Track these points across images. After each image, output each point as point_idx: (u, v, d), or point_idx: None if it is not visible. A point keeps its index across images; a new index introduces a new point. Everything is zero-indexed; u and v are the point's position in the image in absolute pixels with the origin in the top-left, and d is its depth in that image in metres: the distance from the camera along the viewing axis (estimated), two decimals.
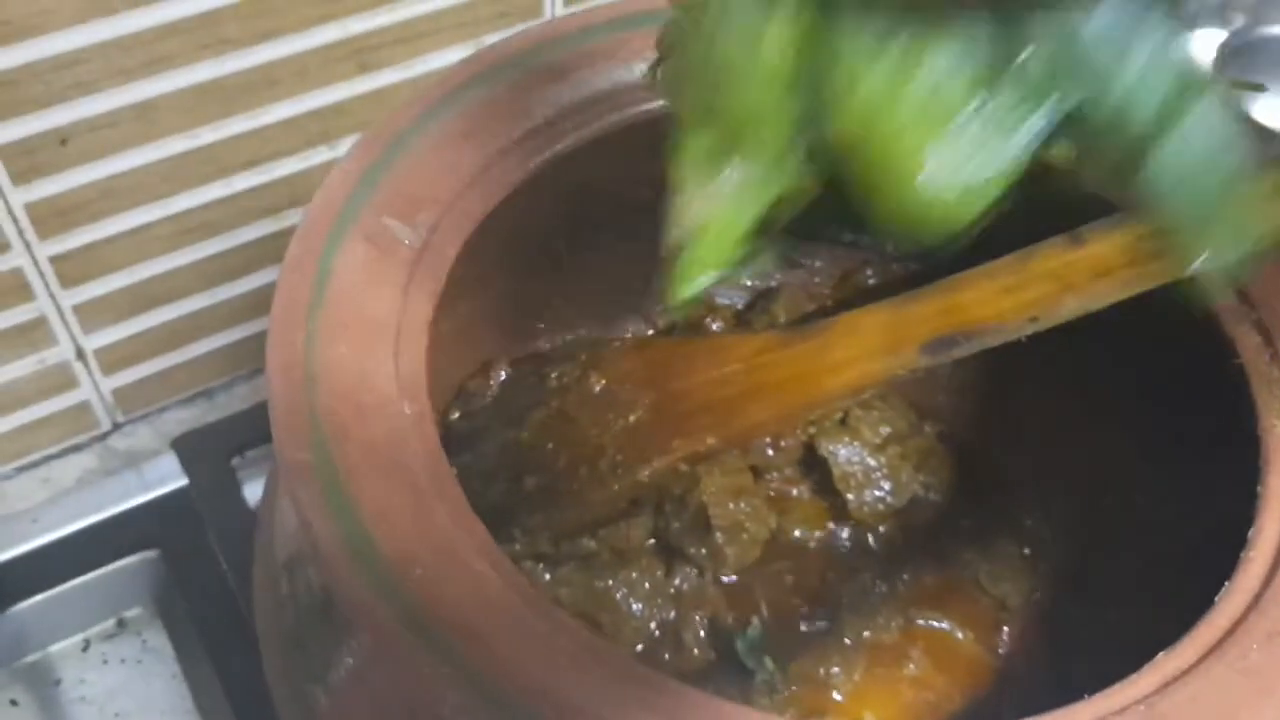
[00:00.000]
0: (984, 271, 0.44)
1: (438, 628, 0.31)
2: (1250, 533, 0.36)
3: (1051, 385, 0.52)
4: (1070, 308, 0.42)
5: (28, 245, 0.56)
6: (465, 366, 0.54)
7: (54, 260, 0.57)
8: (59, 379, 0.62)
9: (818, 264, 0.59)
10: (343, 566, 0.32)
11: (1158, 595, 0.47)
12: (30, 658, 0.59)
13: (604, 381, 0.49)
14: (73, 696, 0.58)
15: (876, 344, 0.44)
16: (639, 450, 0.47)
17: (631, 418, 0.48)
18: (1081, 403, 0.52)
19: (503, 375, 0.52)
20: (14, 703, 0.58)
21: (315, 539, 0.32)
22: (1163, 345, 0.46)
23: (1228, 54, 0.57)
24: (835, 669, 0.49)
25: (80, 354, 0.62)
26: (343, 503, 0.33)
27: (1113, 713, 0.32)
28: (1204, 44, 0.55)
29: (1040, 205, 0.46)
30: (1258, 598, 0.34)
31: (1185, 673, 0.33)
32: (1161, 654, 0.34)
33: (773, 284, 0.59)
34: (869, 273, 0.58)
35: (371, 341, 0.38)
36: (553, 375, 0.50)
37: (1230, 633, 0.33)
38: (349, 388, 0.36)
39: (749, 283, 0.59)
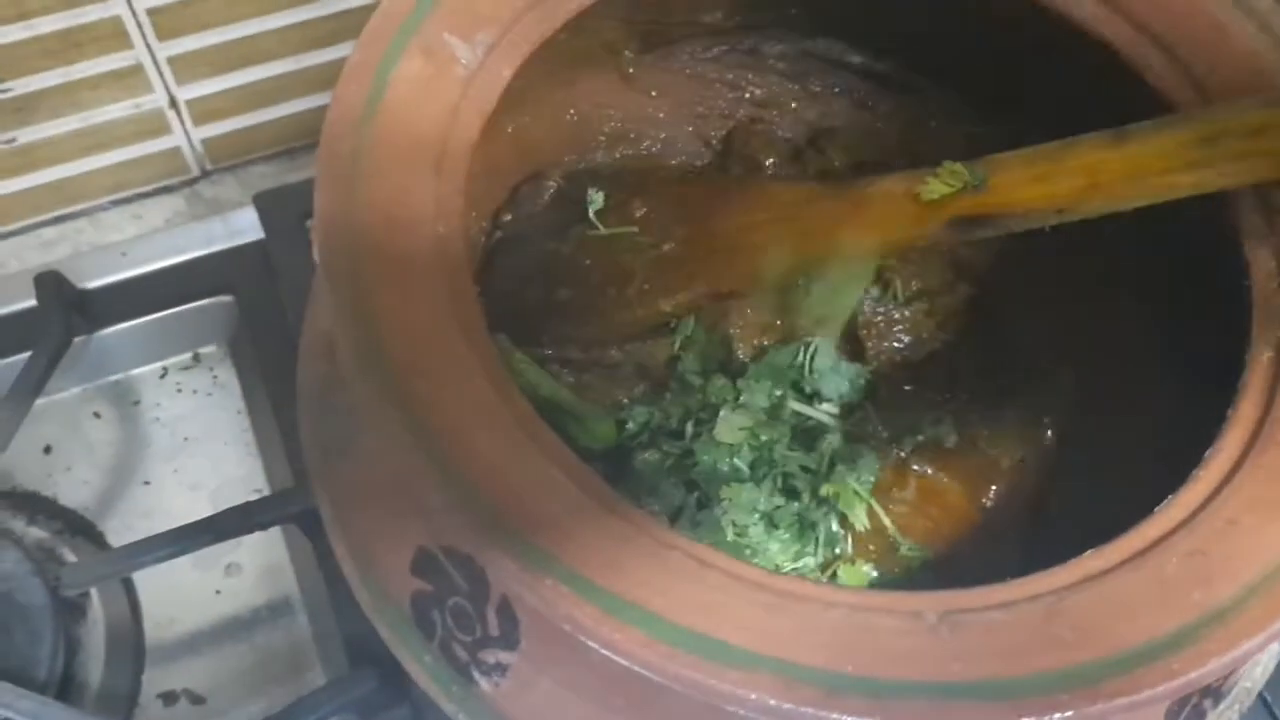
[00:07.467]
0: (1023, 157, 0.44)
1: (432, 437, 0.35)
2: (1207, 453, 0.37)
3: (1078, 261, 0.52)
4: (1096, 206, 0.43)
5: None
6: (523, 170, 0.56)
7: (151, 13, 0.60)
8: (153, 124, 0.66)
9: (883, 109, 0.59)
10: (356, 373, 0.35)
11: (1137, 477, 0.49)
12: (113, 377, 0.66)
13: (645, 209, 0.51)
14: (149, 417, 0.65)
15: (905, 212, 0.46)
16: (664, 280, 0.49)
17: (665, 247, 0.50)
18: (1109, 286, 0.52)
19: (554, 186, 0.54)
20: (97, 415, 0.64)
21: (336, 343, 0.36)
22: (1188, 255, 0.47)
23: None
24: None
25: (173, 103, 0.65)
26: (364, 312, 0.36)
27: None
28: None
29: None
30: (1184, 522, 0.36)
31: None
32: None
33: (837, 124, 0.59)
34: (933, 125, 0.58)
35: (415, 159, 0.40)
36: (599, 195, 0.52)
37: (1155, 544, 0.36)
38: (388, 202, 0.39)
39: (810, 117, 0.59)
